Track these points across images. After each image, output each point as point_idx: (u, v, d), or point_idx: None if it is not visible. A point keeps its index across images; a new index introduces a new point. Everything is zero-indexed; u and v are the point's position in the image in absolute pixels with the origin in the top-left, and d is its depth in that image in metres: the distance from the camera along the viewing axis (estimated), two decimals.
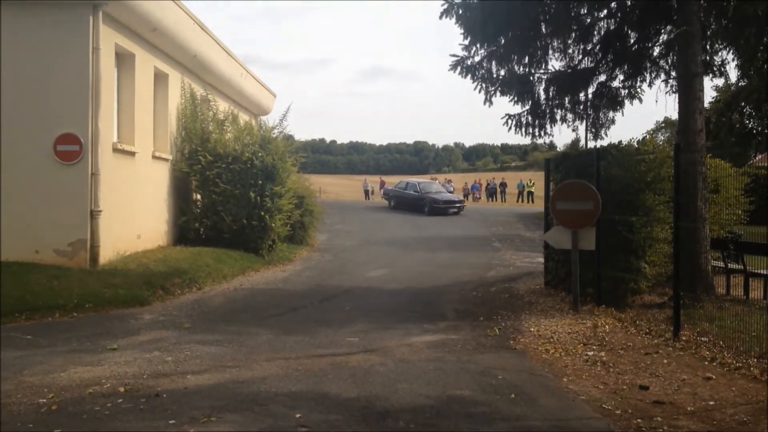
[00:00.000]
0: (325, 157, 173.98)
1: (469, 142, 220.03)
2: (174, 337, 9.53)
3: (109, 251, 13.97)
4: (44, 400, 6.52)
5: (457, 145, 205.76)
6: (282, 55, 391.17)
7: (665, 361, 8.31)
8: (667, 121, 62.08)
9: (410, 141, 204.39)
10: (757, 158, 38.47)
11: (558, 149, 45.83)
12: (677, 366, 8.07)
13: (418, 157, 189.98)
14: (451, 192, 61.48)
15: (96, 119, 13.42)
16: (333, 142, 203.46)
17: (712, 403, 6.68)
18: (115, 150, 14.48)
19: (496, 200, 59.60)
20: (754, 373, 7.63)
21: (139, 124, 15.85)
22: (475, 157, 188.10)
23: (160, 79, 17.40)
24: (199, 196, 18.71)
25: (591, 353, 8.69)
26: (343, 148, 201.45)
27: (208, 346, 8.98)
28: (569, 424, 6.11)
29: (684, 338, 9.24)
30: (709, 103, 34.45)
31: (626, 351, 8.83)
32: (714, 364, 8.15)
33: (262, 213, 17.98)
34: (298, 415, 6.12)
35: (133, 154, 15.44)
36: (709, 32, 13.45)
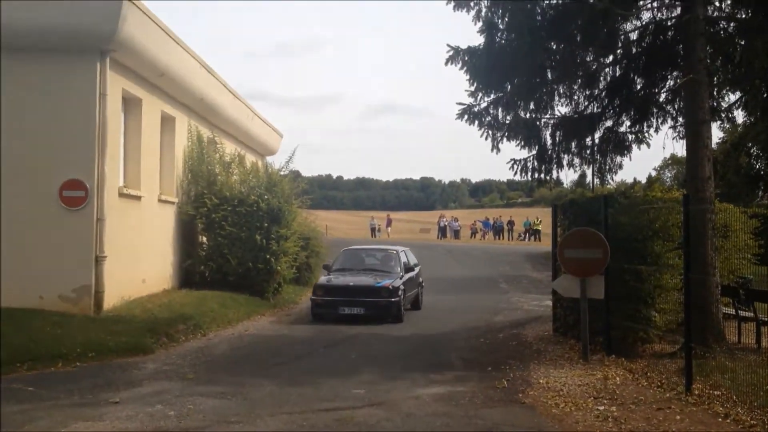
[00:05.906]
0: (332, 192, 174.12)
1: (475, 178, 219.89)
2: (177, 389, 9.38)
3: (113, 297, 13.88)
4: None
5: (463, 180, 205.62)
6: (292, 91, 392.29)
7: (678, 417, 8.12)
8: (674, 158, 62.03)
9: (417, 177, 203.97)
10: (763, 197, 38.20)
11: (564, 185, 45.58)
12: (690, 423, 7.88)
13: (425, 193, 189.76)
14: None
15: (102, 164, 13.41)
16: (340, 177, 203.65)
17: None
18: (121, 195, 14.47)
19: (503, 238, 59.34)
20: None
21: (146, 167, 15.86)
22: (481, 193, 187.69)
23: (166, 122, 17.46)
24: (204, 239, 18.63)
25: (602, 408, 8.51)
26: (350, 183, 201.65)
27: (211, 399, 8.84)
28: None
29: (696, 392, 9.04)
30: (716, 143, 34.30)
31: (638, 405, 8.64)
32: (728, 420, 7.94)
33: (268, 256, 17.89)
34: None
35: (139, 198, 15.42)
36: (716, 79, 13.43)
